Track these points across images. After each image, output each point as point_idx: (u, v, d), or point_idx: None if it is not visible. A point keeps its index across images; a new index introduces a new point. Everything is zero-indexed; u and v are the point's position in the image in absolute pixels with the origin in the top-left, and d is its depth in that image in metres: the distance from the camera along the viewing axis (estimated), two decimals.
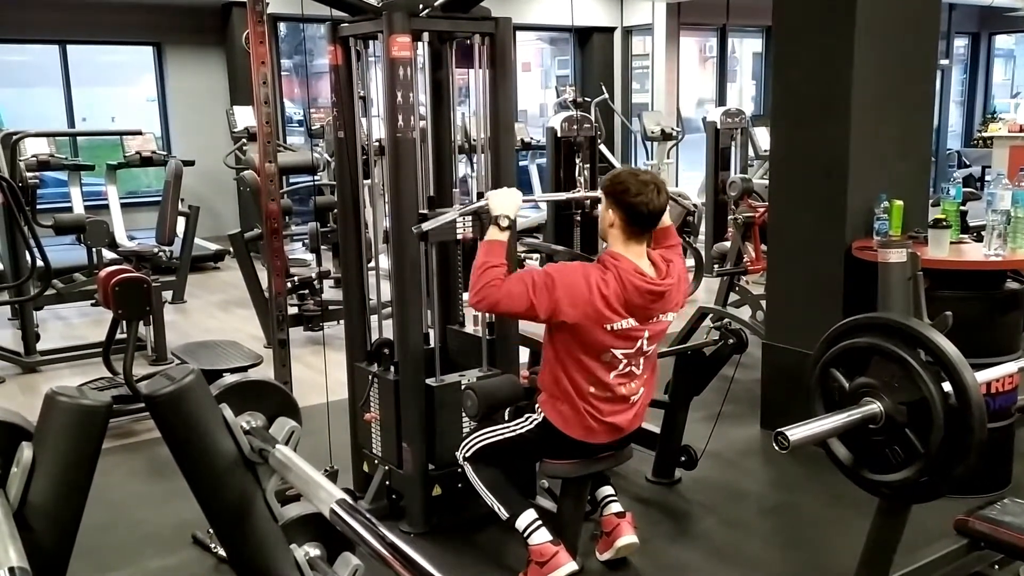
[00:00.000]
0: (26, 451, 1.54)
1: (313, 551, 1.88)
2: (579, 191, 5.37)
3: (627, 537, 2.99)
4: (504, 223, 2.77)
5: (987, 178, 12.47)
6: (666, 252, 2.85)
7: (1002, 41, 15.89)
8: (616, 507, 3.06)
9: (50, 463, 1.53)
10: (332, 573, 1.86)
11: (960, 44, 15.25)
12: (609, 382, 2.72)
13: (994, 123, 13.16)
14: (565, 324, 2.65)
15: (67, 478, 1.55)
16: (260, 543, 1.75)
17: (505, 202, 2.83)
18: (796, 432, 1.96)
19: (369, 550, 1.31)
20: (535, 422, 2.83)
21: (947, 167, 13.46)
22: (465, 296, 3.45)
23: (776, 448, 1.95)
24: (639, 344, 2.71)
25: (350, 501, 1.41)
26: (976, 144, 14.42)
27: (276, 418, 1.83)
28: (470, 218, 3.18)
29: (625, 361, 2.71)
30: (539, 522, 2.77)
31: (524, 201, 2.92)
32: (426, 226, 3.01)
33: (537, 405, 2.84)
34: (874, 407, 2.08)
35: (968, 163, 13.85)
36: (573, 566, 2.74)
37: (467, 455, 2.92)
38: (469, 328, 3.47)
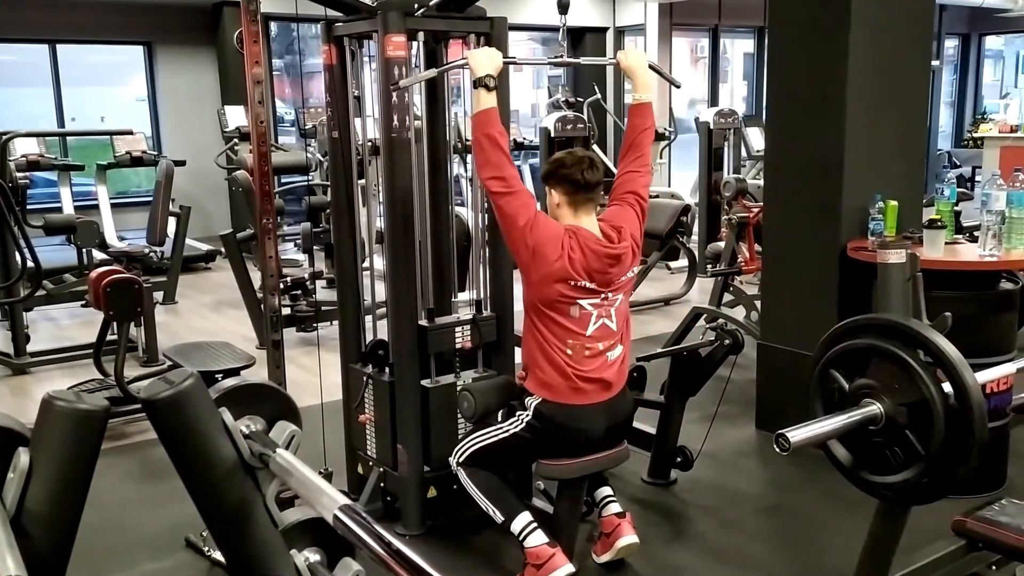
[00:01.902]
0: (23, 457, 1.52)
1: (313, 556, 1.86)
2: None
3: (628, 537, 2.98)
4: (491, 83, 2.81)
5: (977, 178, 12.53)
6: (617, 214, 2.89)
7: (992, 42, 15.94)
8: (616, 507, 3.05)
9: (48, 469, 1.51)
10: None
11: (950, 45, 15.29)
12: (585, 337, 2.77)
13: (984, 124, 13.21)
14: (530, 279, 2.76)
15: (65, 484, 1.53)
16: (260, 549, 1.73)
17: (486, 61, 2.86)
18: (797, 434, 1.95)
19: (373, 556, 1.30)
20: (526, 419, 2.82)
21: (941, 168, 13.50)
22: (461, 296, 3.45)
23: (777, 450, 1.94)
24: (603, 295, 2.79)
25: (353, 506, 1.39)
26: (966, 145, 14.47)
27: (276, 422, 1.81)
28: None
29: (596, 313, 2.78)
30: (535, 524, 2.76)
31: (505, 62, 2.93)
32: (404, 82, 3.01)
33: (527, 399, 2.83)
34: (874, 408, 2.07)
35: (959, 164, 13.89)
36: (570, 568, 2.73)
37: (460, 460, 2.91)
38: None
